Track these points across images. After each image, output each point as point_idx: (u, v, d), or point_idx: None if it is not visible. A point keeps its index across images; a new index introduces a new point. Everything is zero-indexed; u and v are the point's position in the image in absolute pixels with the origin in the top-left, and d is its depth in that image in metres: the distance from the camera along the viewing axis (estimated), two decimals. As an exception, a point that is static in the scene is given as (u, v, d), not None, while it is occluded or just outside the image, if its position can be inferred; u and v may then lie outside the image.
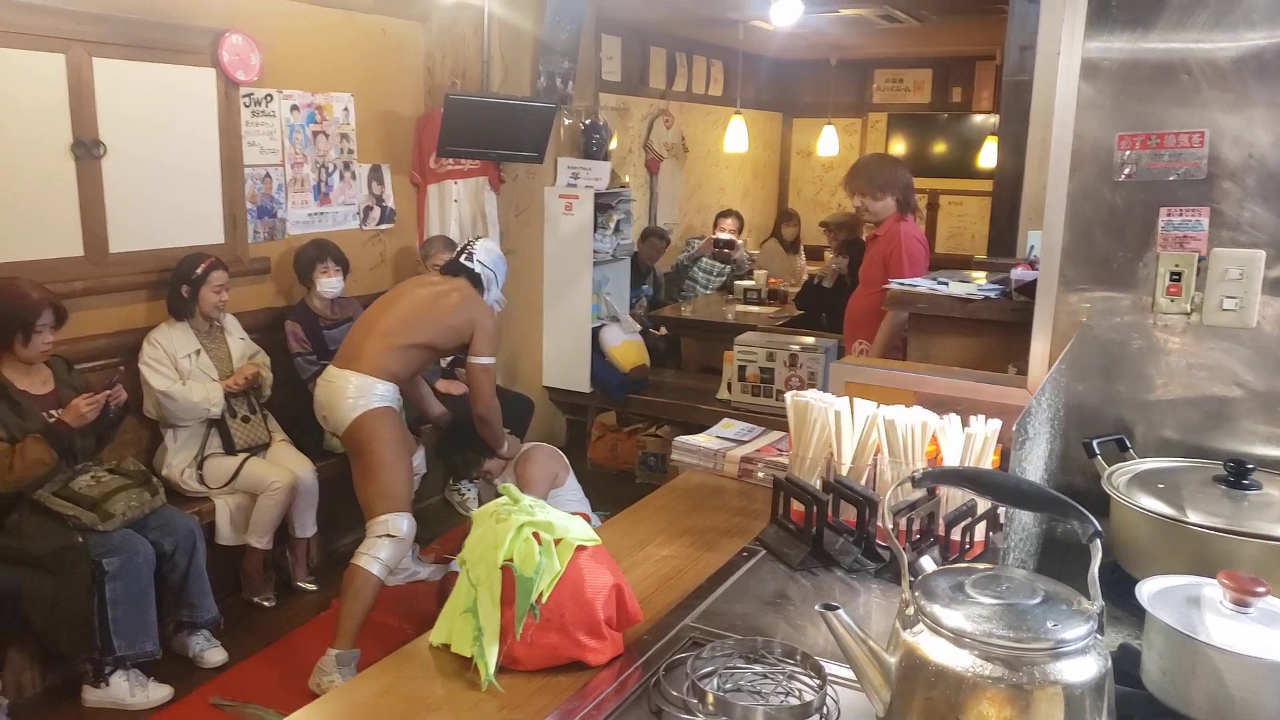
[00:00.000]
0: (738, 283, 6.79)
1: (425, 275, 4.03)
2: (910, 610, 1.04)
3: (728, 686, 1.24)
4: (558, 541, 1.38)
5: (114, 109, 3.61)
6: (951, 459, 1.67)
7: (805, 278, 7.32)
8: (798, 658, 1.28)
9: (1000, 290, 2.82)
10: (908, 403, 1.81)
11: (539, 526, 1.39)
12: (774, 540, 1.77)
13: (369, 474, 3.20)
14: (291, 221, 4.40)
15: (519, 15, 4.88)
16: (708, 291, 7.09)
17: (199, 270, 3.67)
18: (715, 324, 6.15)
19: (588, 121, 5.33)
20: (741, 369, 4.67)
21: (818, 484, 1.76)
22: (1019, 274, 2.76)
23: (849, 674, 1.11)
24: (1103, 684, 0.97)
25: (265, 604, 3.85)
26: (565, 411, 5.55)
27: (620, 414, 5.41)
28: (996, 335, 2.70)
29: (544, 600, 1.34)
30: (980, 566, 1.09)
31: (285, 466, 3.79)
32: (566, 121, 5.22)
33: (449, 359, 4.46)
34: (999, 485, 1.17)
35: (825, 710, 1.17)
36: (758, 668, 1.27)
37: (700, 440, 2.32)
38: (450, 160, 4.90)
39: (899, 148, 9.41)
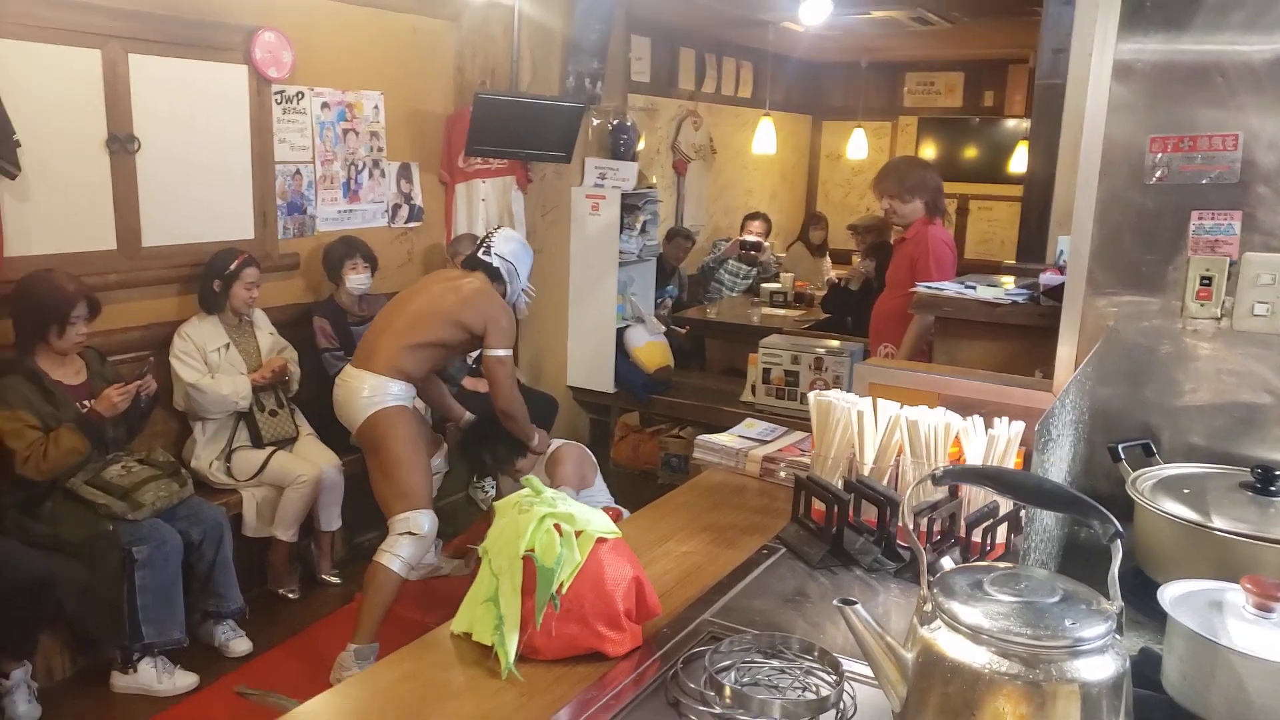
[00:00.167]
0: (764, 285, 6.78)
1: (444, 270, 4.03)
2: (928, 606, 1.04)
3: (745, 680, 1.24)
4: (579, 533, 1.39)
5: (148, 104, 3.67)
6: (974, 460, 1.67)
7: (828, 277, 7.30)
8: (815, 653, 1.28)
9: (1028, 295, 2.80)
10: (931, 405, 1.80)
11: (560, 518, 1.40)
12: (794, 538, 1.77)
13: (386, 472, 3.22)
14: (321, 218, 4.44)
15: (549, 15, 4.91)
16: (733, 294, 7.07)
17: (232, 266, 3.72)
18: (740, 326, 6.14)
19: (615, 122, 5.34)
20: (766, 372, 4.66)
21: (839, 483, 1.76)
22: (1047, 278, 2.74)
23: (866, 670, 1.11)
24: (1120, 684, 0.97)
25: (290, 596, 3.90)
26: (589, 411, 5.56)
27: (643, 415, 5.42)
28: (1023, 340, 2.68)
29: (564, 591, 1.35)
30: (1000, 565, 1.09)
31: (312, 460, 3.84)
32: (595, 122, 5.23)
33: (475, 356, 4.48)
34: (1020, 484, 1.17)
35: (842, 705, 1.17)
36: (775, 662, 1.28)
37: (723, 439, 2.32)
38: (478, 159, 4.93)
39: (929, 152, 9.34)
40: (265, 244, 4.19)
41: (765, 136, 7.58)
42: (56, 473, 3.08)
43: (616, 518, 2.32)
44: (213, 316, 3.78)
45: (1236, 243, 1.68)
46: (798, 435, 2.36)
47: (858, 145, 8.76)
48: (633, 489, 4.44)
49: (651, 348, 5.21)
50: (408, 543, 3.14)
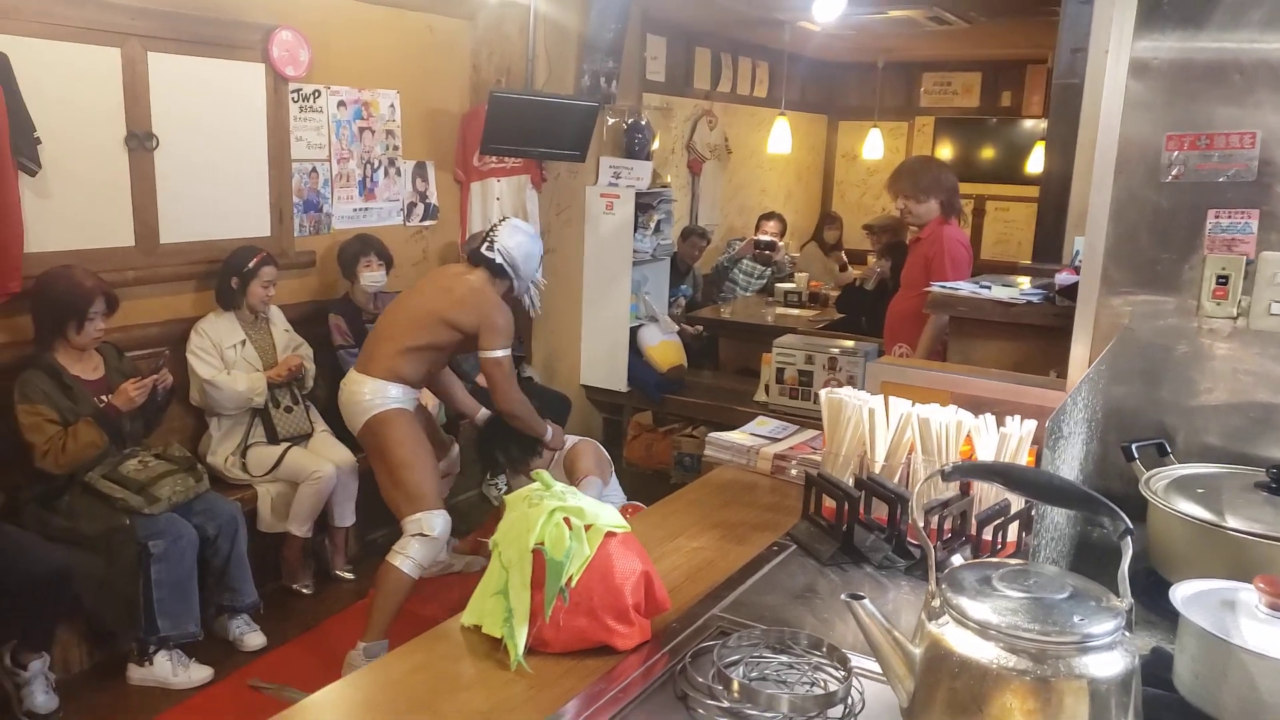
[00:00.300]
0: (778, 285, 6.77)
1: (446, 267, 3.96)
2: (936, 602, 1.03)
3: (753, 675, 1.24)
4: (588, 527, 1.39)
5: (166, 102, 3.70)
6: (986, 458, 1.66)
7: (840, 271, 7.27)
8: (824, 649, 1.28)
9: (1043, 295, 2.79)
10: (944, 404, 1.80)
11: (570, 512, 1.40)
12: (804, 535, 1.77)
13: (391, 475, 3.21)
14: (337, 216, 4.47)
15: (564, 14, 4.92)
16: (748, 293, 7.07)
17: (250, 264, 3.75)
18: (754, 326, 6.13)
19: (630, 121, 5.34)
20: (780, 371, 4.66)
21: (850, 481, 1.76)
22: (1063, 278, 2.73)
23: (875, 666, 1.11)
24: (1129, 681, 0.96)
25: (304, 591, 3.92)
26: (602, 410, 5.57)
27: (656, 414, 5.42)
28: (1037, 340, 2.67)
29: (573, 584, 1.35)
30: (1009, 562, 1.09)
31: (326, 457, 3.86)
32: (609, 121, 5.24)
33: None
34: (1030, 480, 1.16)
35: (850, 700, 1.17)
36: (784, 658, 1.28)
37: (734, 437, 2.32)
38: (493, 158, 4.94)
39: (946, 152, 9.30)
40: (281, 241, 4.22)
41: (781, 136, 7.56)
42: (75, 466, 3.11)
43: (635, 513, 2.32)
44: (229, 313, 3.81)
45: (1253, 241, 1.67)
46: (809, 433, 2.35)
47: (874, 145, 8.72)
48: (645, 488, 4.44)
49: (665, 347, 5.21)
50: (419, 544, 3.14)
